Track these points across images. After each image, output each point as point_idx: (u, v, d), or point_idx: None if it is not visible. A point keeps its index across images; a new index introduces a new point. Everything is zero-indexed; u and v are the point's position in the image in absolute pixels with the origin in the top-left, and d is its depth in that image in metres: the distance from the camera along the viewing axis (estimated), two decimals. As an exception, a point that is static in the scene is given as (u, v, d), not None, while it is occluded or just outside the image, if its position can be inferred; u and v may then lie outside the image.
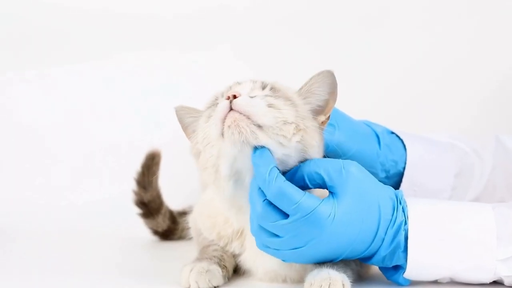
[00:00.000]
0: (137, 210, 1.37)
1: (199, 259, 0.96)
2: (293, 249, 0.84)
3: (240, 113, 0.80)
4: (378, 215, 0.84)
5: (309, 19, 1.75)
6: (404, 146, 1.07)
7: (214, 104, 0.87)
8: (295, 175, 0.85)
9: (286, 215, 0.82)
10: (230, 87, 0.88)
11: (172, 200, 1.40)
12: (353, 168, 0.84)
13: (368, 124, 1.06)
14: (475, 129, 1.58)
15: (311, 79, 0.89)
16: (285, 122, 0.83)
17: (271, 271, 0.93)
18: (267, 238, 0.85)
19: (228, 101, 0.81)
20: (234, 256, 0.98)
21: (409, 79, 1.70)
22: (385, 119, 1.12)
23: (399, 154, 1.06)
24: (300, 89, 0.90)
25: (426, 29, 1.71)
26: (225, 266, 0.96)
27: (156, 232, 1.38)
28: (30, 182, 1.71)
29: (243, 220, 0.90)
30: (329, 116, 0.90)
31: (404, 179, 1.06)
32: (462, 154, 1.12)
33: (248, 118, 0.80)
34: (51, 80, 1.79)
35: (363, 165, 0.98)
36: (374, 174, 1.01)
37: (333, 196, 0.83)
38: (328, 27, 1.74)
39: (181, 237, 1.37)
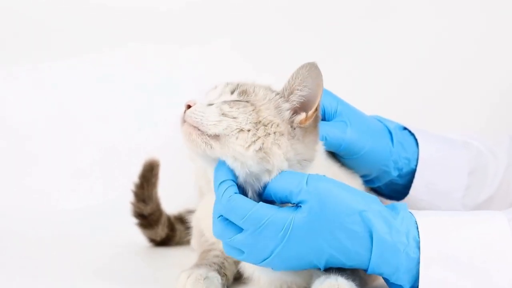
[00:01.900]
0: (134, 220, 1.36)
1: (198, 265, 0.96)
2: (262, 260, 0.84)
3: (190, 125, 0.83)
4: (344, 232, 0.82)
5: (313, 10, 1.74)
6: (417, 143, 1.06)
7: None
8: (265, 192, 0.85)
9: (241, 230, 0.83)
10: (207, 93, 0.90)
11: (169, 203, 1.39)
12: (319, 183, 0.83)
13: (380, 120, 1.05)
14: (489, 127, 1.57)
15: (292, 75, 0.87)
16: (241, 130, 0.82)
17: (276, 279, 0.91)
18: (237, 255, 0.85)
19: (183, 111, 0.84)
20: (235, 262, 0.97)
21: (421, 77, 1.69)
22: (396, 118, 1.11)
23: (411, 152, 1.05)
24: (283, 88, 0.88)
25: (439, 24, 1.70)
26: (225, 274, 0.95)
27: (153, 241, 1.37)
28: (18, 186, 1.70)
29: None
30: (314, 113, 0.86)
31: (416, 177, 1.05)
32: (476, 152, 1.11)
33: (199, 129, 0.82)
34: (40, 76, 1.77)
35: (376, 163, 0.98)
36: (387, 172, 1.01)
37: (295, 207, 0.83)
38: (333, 20, 1.73)
39: (178, 243, 1.36)
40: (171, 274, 0.97)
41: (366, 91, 1.65)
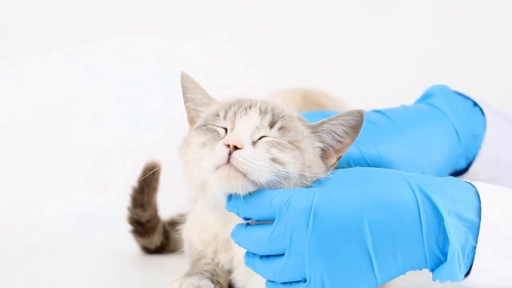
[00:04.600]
0: (129, 227, 1.35)
1: (189, 274, 0.97)
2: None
3: (237, 170, 0.82)
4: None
5: (313, 3, 1.74)
6: (485, 123, 1.09)
7: (211, 127, 0.89)
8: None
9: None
10: (235, 113, 0.89)
11: (164, 207, 1.39)
12: (295, 201, 0.82)
13: (427, 102, 1.08)
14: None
15: (337, 117, 0.89)
16: (287, 177, 0.84)
17: None
18: (269, 264, 0.83)
19: (227, 151, 0.82)
20: (228, 269, 0.98)
21: (429, 74, 1.68)
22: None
23: (479, 130, 1.08)
24: (321, 123, 0.90)
25: (449, 19, 1.72)
26: (218, 281, 0.96)
27: (146, 249, 1.37)
28: (4, 191, 1.70)
29: (228, 228, 0.91)
30: (340, 157, 0.91)
31: (480, 154, 1.08)
32: None
33: (245, 175, 0.82)
34: (23, 72, 1.77)
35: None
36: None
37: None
38: (334, 15, 1.73)
39: (172, 251, 1.37)
40: (165, 283, 0.98)
41: (370, 88, 1.67)
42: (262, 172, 0.82)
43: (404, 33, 1.72)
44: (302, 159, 0.86)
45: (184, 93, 0.96)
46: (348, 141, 0.90)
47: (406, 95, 1.66)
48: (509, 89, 1.66)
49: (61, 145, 1.75)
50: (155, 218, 1.34)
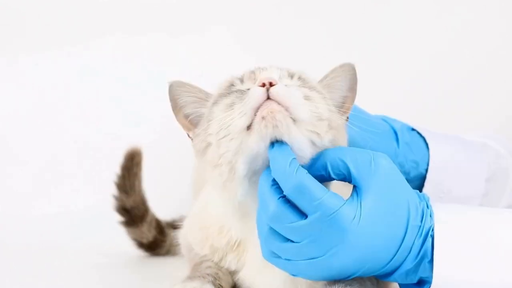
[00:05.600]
0: (119, 218, 1.37)
1: (191, 277, 0.96)
2: (309, 259, 0.82)
3: (279, 104, 0.80)
4: (406, 220, 0.81)
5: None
6: (427, 145, 1.07)
7: (231, 91, 0.87)
8: (316, 163, 0.84)
9: (304, 216, 0.81)
10: (254, 72, 0.88)
11: (160, 209, 1.40)
12: (384, 162, 0.82)
13: (384, 119, 1.06)
14: (508, 127, 1.58)
15: (332, 71, 0.90)
16: (320, 118, 0.84)
17: None
18: (280, 244, 0.83)
19: (264, 89, 0.81)
20: (231, 273, 0.98)
21: (434, 73, 1.70)
22: (406, 117, 1.12)
23: (421, 155, 1.06)
24: (321, 81, 0.91)
25: (455, 18, 1.72)
26: (220, 285, 0.96)
27: (141, 245, 1.38)
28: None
29: (247, 228, 0.91)
30: (347, 118, 0.91)
31: (426, 183, 1.05)
32: (495, 156, 1.12)
33: (287, 110, 0.81)
34: (18, 70, 1.78)
35: None
36: None
37: (357, 195, 0.82)
38: (338, 13, 1.74)
39: (169, 252, 1.37)
40: (166, 286, 0.99)
41: (373, 86, 1.66)
42: (300, 106, 0.81)
43: (405, 33, 1.73)
44: (327, 104, 0.86)
45: (173, 107, 0.93)
46: (348, 94, 0.91)
47: (406, 95, 1.69)
48: (509, 89, 1.68)
49: (58, 145, 1.75)
50: (141, 205, 1.36)
